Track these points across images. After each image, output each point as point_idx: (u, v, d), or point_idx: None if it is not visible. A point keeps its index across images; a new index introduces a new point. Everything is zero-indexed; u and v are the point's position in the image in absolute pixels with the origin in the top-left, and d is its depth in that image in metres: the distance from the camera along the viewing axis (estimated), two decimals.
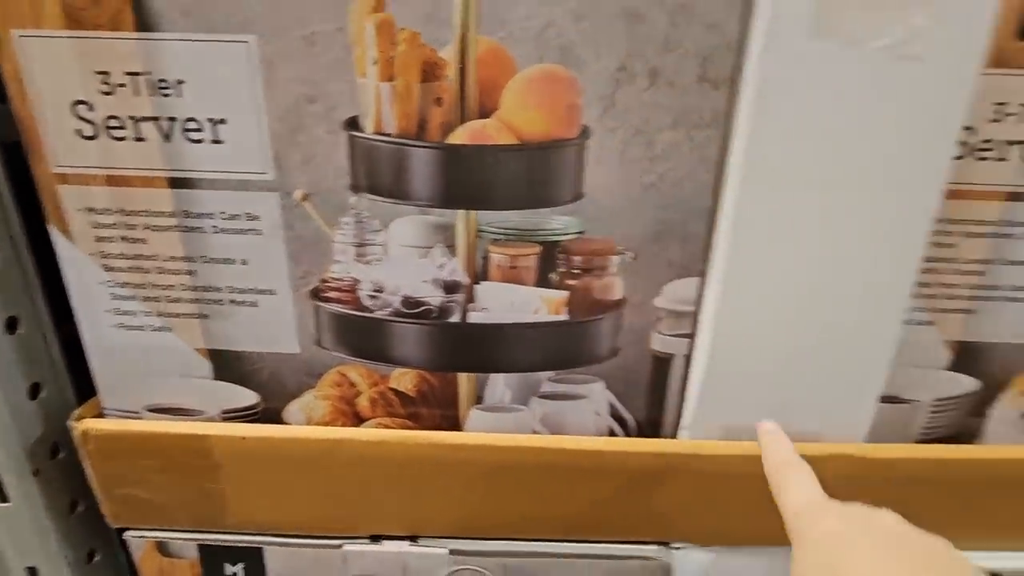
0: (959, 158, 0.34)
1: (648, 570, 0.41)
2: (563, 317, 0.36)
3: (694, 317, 0.36)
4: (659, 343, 0.37)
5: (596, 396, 0.38)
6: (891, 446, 0.39)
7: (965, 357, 0.40)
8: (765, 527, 0.31)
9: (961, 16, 0.29)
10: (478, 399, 0.38)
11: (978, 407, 0.42)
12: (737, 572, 0.42)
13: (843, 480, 0.30)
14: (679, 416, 0.39)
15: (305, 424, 0.39)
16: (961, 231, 0.37)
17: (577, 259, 0.35)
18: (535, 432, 0.38)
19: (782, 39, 0.29)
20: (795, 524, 0.28)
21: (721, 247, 0.34)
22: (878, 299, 0.35)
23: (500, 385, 0.37)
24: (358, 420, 0.39)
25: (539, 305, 0.36)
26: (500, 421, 0.38)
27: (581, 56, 0.30)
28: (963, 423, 0.42)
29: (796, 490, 0.29)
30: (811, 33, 0.29)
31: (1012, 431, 0.42)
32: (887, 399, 0.39)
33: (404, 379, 0.38)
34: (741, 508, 0.38)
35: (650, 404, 0.39)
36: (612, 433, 0.39)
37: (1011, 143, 0.35)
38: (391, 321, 0.36)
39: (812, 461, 0.31)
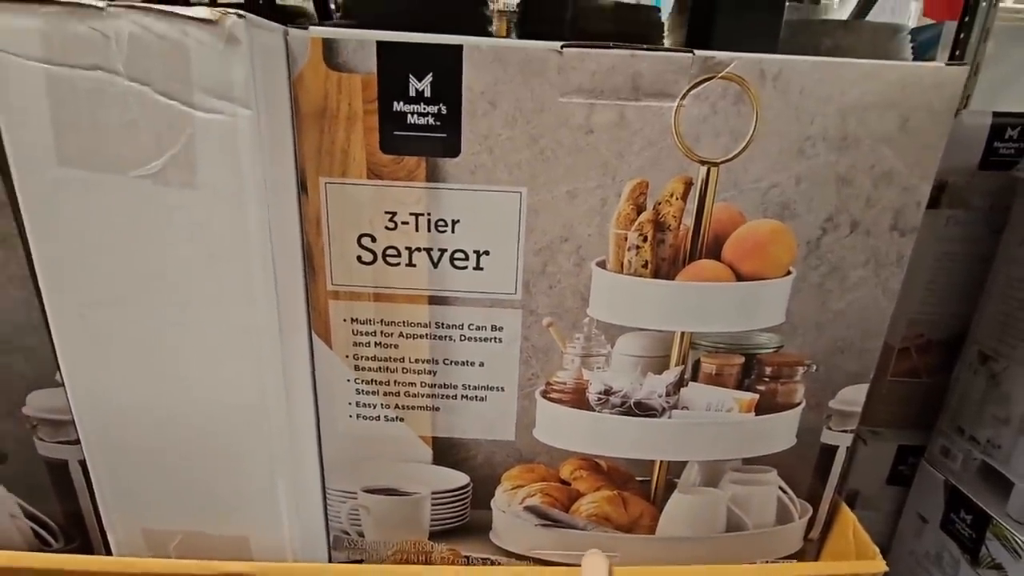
0: (369, 263, 0.38)
1: None
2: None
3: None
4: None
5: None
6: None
7: (445, 452, 0.43)
8: None
9: (222, 140, 0.32)
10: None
11: (482, 500, 0.45)
12: None
13: None
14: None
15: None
16: (399, 332, 0.40)
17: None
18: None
19: (32, 167, 0.32)
20: None
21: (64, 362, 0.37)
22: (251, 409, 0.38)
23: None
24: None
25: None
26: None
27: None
28: (473, 516, 0.45)
29: None
30: (58, 161, 0.31)
31: (518, 523, 0.44)
32: (389, 491, 0.43)
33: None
34: None
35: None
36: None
37: (412, 250, 0.38)
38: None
39: None
